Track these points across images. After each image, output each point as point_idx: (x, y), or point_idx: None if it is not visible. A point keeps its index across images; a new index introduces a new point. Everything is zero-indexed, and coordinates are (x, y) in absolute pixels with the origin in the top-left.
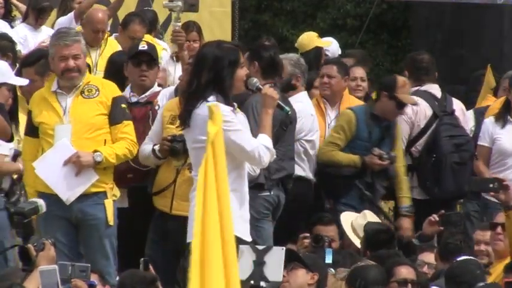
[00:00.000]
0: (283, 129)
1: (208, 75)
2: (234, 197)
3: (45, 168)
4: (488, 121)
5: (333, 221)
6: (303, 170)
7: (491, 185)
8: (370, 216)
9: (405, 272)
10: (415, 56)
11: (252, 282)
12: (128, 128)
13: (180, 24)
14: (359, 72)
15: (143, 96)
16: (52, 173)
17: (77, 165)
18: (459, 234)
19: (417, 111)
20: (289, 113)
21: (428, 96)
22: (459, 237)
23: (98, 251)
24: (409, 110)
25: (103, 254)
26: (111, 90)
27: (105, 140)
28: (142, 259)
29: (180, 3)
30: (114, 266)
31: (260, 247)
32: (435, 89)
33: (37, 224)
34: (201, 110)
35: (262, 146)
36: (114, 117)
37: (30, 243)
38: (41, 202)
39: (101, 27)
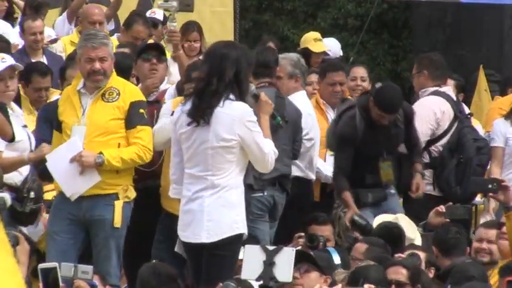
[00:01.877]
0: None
1: (231, 75)
2: (243, 196)
3: (55, 162)
4: (500, 121)
5: (328, 220)
6: (301, 170)
7: (490, 186)
8: (402, 220)
9: (391, 272)
10: (431, 57)
11: (261, 282)
12: (142, 133)
13: (175, 24)
14: (359, 71)
15: (152, 95)
16: (60, 168)
17: (79, 164)
18: (453, 227)
19: (444, 112)
20: (280, 123)
21: (449, 98)
22: (455, 229)
23: (101, 250)
24: (437, 110)
25: (106, 254)
26: (131, 94)
27: (119, 144)
28: (153, 261)
29: (175, 4)
30: (116, 267)
31: (270, 247)
32: (451, 92)
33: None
34: (228, 109)
35: (272, 152)
36: (130, 121)
37: None
38: (6, 196)
39: (97, 18)
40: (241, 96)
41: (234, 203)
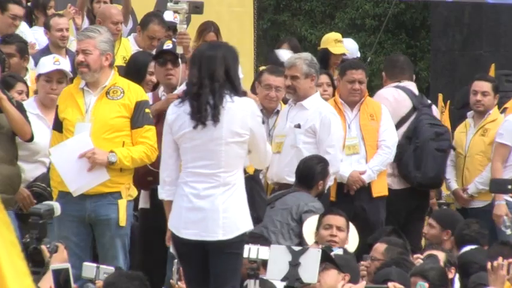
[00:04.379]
0: None
1: (222, 74)
2: (245, 196)
3: (60, 156)
4: None
5: (342, 213)
6: None
7: (510, 186)
8: None
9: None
10: (391, 58)
11: (286, 283)
12: (148, 133)
13: (185, 26)
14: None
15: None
16: (66, 162)
17: (90, 161)
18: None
19: (397, 99)
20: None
21: (407, 91)
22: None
23: (108, 249)
24: (390, 97)
25: (113, 253)
26: (136, 93)
27: (123, 142)
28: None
29: (185, 6)
30: (123, 266)
31: (296, 248)
32: (412, 86)
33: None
34: (239, 104)
35: (270, 149)
36: (136, 121)
37: (43, 245)
38: (56, 205)
39: (119, 18)
40: (237, 93)
41: (244, 200)
